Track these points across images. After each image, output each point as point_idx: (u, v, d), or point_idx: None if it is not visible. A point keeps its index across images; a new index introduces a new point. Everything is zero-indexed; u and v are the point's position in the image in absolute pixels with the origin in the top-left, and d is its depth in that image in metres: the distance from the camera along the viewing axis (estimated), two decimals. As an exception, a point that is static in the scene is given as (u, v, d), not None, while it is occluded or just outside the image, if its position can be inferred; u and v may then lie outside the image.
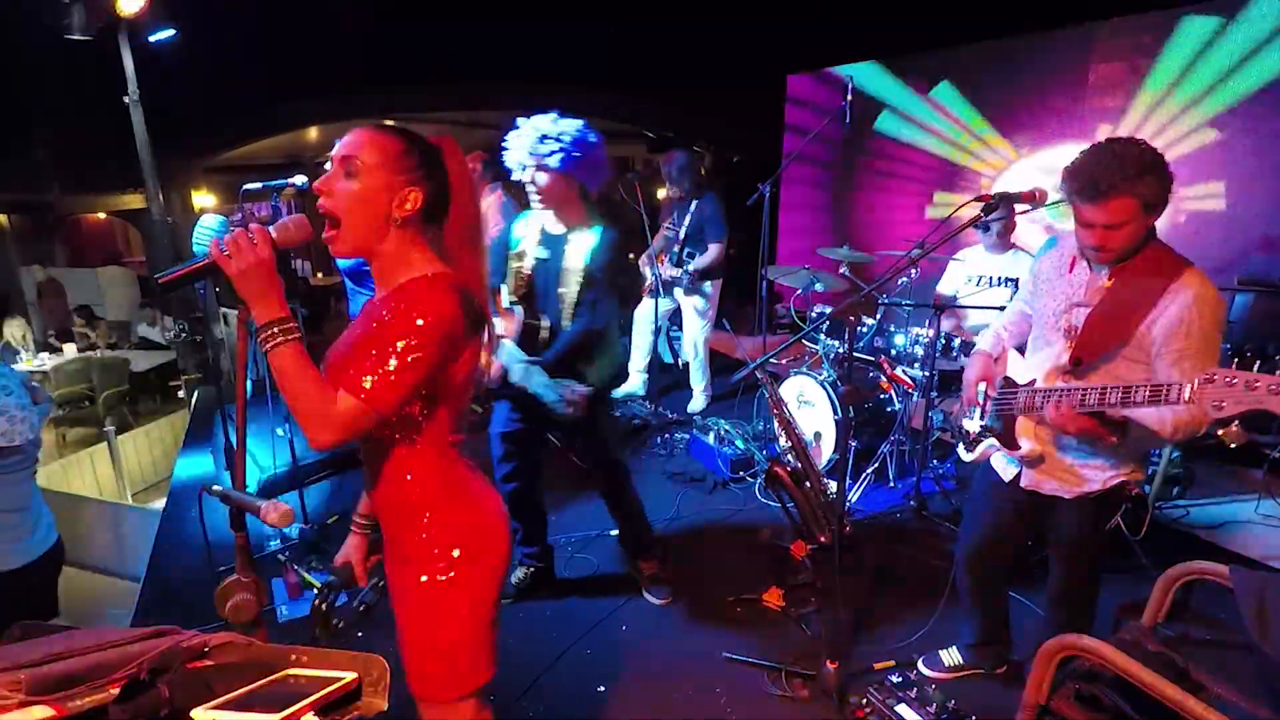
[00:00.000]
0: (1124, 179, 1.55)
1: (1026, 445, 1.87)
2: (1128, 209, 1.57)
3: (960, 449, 2.16)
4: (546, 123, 2.21)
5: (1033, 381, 1.84)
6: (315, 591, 1.47)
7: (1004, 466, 2.03)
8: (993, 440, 2.00)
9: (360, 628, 2.54)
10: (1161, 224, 1.68)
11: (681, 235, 4.32)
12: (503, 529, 1.41)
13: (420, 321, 1.17)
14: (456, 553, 1.32)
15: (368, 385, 1.16)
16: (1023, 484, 1.96)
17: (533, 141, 2.19)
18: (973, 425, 2.07)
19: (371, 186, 1.22)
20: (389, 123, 1.30)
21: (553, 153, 2.18)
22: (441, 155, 1.29)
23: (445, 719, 1.40)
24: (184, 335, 5.83)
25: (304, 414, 1.17)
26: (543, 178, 2.24)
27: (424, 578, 1.33)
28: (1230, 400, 1.35)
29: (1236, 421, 1.44)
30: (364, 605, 1.45)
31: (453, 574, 1.32)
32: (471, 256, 1.32)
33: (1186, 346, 1.60)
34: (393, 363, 1.16)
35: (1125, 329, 1.67)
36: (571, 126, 2.22)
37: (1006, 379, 1.97)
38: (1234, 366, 1.39)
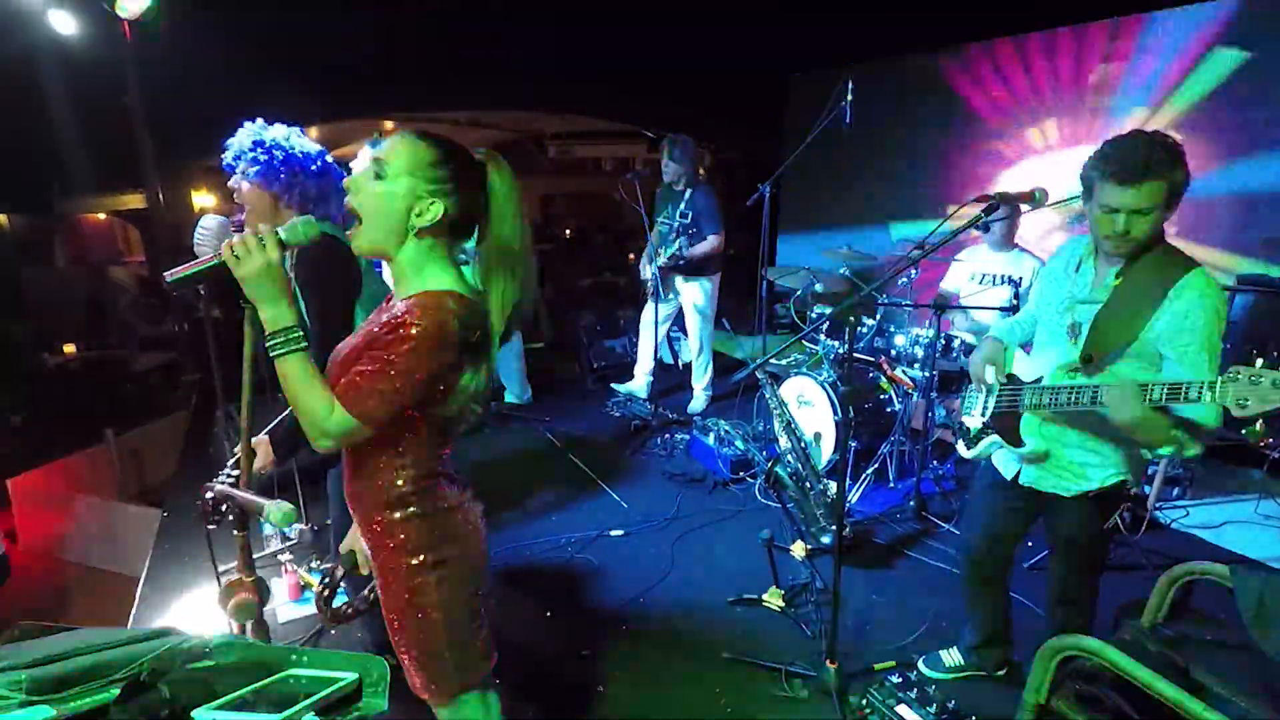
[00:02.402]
0: (1159, 163, 1.58)
1: (1032, 442, 1.87)
2: (1159, 194, 1.59)
3: (960, 445, 2.15)
4: (272, 132, 2.03)
5: (1039, 379, 1.85)
6: (319, 581, 1.49)
7: (1005, 464, 2.03)
8: (995, 437, 2.00)
9: (361, 627, 2.54)
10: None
11: (676, 226, 4.29)
12: (474, 533, 1.42)
13: (414, 344, 1.18)
14: (424, 558, 1.33)
15: (359, 400, 1.19)
16: (1022, 482, 1.96)
17: (245, 145, 2.01)
18: (974, 422, 2.07)
19: (393, 191, 1.23)
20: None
21: (256, 161, 2.00)
22: (483, 173, 1.28)
23: (450, 715, 1.43)
24: (185, 335, 5.83)
25: (305, 421, 1.21)
26: (244, 185, 2.05)
27: (396, 583, 1.35)
28: (1256, 398, 1.35)
29: (1262, 420, 1.44)
30: (374, 594, 1.46)
31: (422, 578, 1.34)
32: (502, 280, 1.28)
33: (1190, 343, 1.61)
34: (384, 381, 1.19)
35: (1133, 327, 1.68)
36: (287, 142, 2.03)
37: (1010, 375, 1.98)
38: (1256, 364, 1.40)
